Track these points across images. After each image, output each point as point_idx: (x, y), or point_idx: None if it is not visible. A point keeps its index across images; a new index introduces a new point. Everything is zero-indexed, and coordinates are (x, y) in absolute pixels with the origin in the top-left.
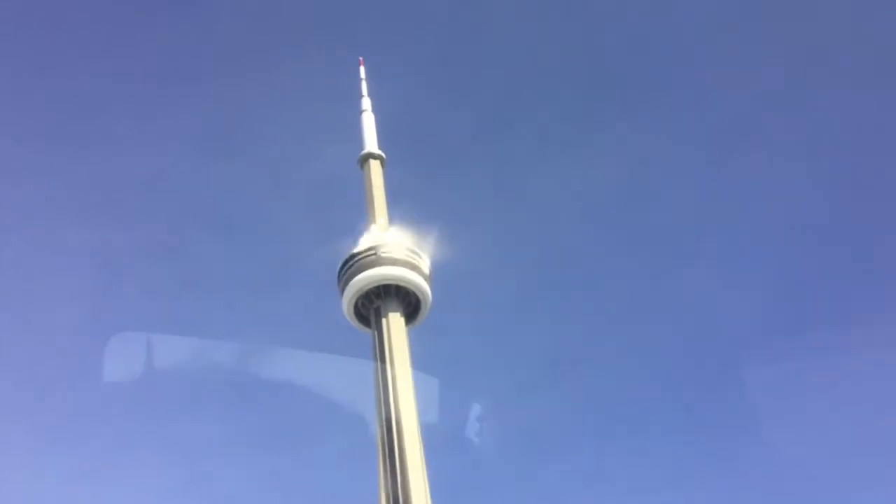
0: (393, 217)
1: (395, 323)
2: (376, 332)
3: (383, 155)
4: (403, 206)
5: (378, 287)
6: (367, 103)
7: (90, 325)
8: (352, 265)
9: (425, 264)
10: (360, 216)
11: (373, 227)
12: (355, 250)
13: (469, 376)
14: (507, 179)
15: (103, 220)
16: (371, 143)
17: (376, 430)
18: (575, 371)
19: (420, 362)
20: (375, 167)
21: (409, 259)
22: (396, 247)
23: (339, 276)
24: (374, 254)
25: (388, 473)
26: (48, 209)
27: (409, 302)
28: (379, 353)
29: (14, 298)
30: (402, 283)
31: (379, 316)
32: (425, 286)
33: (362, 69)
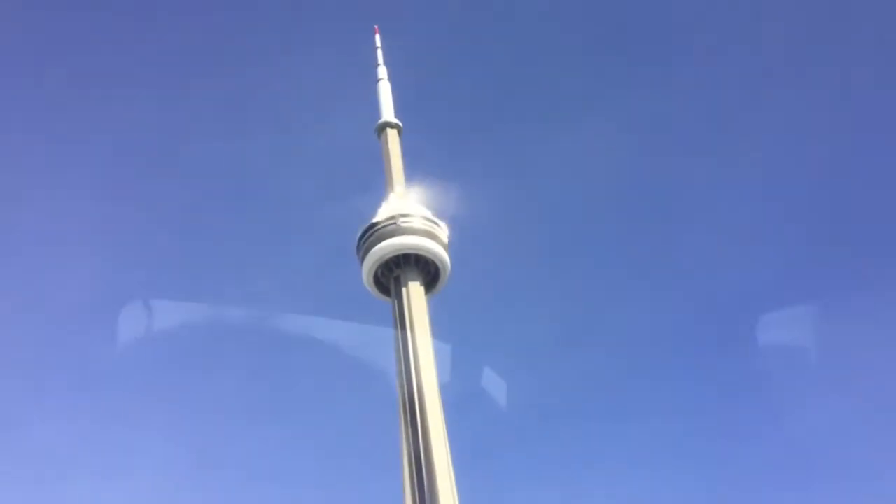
0: (411, 186)
1: (415, 292)
2: (396, 301)
3: (400, 124)
4: (421, 175)
5: (398, 256)
6: (383, 72)
7: (105, 294)
8: (371, 234)
9: (444, 233)
10: (378, 185)
11: (391, 196)
12: (375, 220)
13: (486, 343)
14: (523, 145)
15: (116, 191)
16: (388, 111)
17: (398, 397)
18: (588, 338)
19: (439, 329)
20: (393, 136)
21: (429, 228)
22: (416, 216)
23: (358, 245)
24: (394, 223)
25: (410, 438)
26: (62, 180)
27: (428, 271)
28: (399, 322)
29: (33, 269)
30: (421, 253)
31: (399, 285)
32: (444, 255)
33: (377, 37)
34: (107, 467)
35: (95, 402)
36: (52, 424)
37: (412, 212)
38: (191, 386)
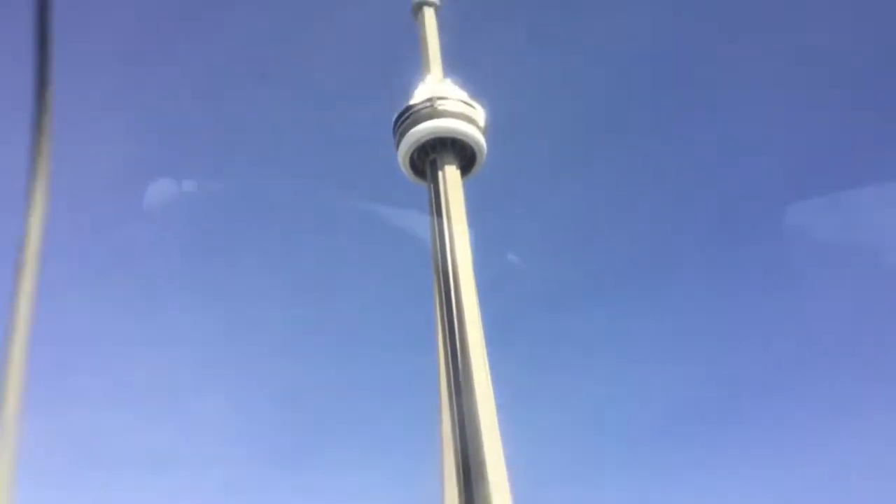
0: (448, 67)
1: (451, 175)
2: (432, 185)
3: (437, 2)
4: (458, 56)
5: (434, 139)
6: None
7: (134, 168)
8: (407, 117)
9: (481, 116)
10: (415, 66)
11: (428, 78)
12: (411, 102)
13: (516, 225)
14: (561, 27)
15: (143, 64)
16: None
17: (433, 276)
18: (614, 224)
19: (472, 210)
20: (429, 15)
21: (465, 111)
22: (452, 98)
23: (394, 127)
24: (430, 106)
25: (445, 316)
26: (86, 55)
27: (464, 154)
28: (435, 205)
29: (60, 143)
30: (458, 136)
31: (435, 168)
32: (481, 139)
33: None
34: (136, 340)
35: (125, 278)
36: (83, 299)
37: (449, 94)
38: (224, 262)
